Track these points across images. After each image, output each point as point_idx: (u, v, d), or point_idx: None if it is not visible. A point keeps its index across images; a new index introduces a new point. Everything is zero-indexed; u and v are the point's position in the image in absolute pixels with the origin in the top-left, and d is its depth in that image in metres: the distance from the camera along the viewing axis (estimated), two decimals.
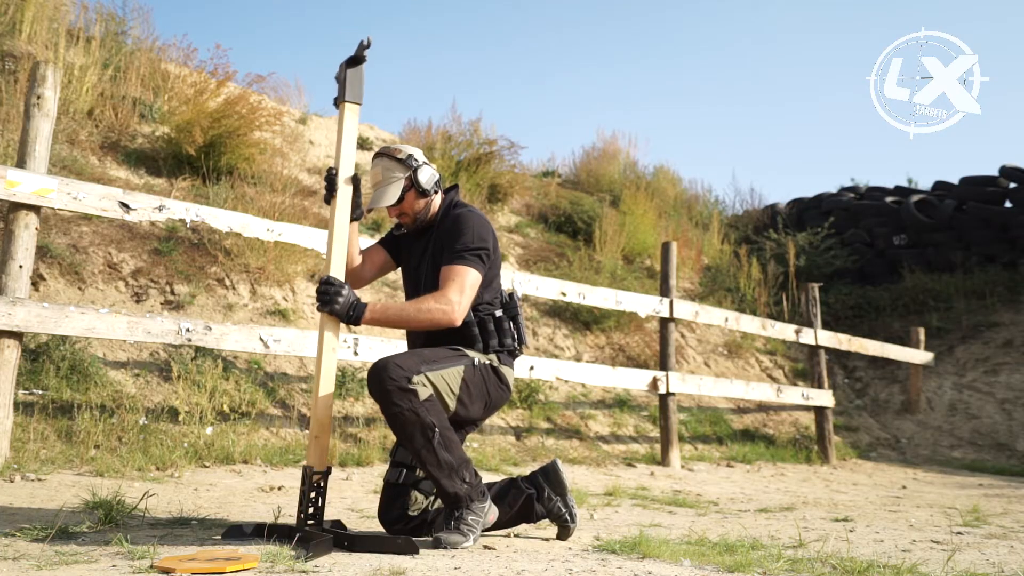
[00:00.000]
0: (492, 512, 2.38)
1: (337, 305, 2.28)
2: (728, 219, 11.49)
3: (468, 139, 8.47)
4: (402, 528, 2.40)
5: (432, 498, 2.45)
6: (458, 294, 2.38)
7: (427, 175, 2.56)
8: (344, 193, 2.41)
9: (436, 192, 2.60)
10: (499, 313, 2.52)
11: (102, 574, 1.71)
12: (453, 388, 2.33)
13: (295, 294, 5.42)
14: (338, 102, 2.42)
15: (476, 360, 2.43)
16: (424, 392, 2.24)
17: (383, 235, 2.84)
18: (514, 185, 8.62)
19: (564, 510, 2.52)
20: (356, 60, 2.40)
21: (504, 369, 2.51)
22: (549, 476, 2.54)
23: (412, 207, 2.56)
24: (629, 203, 9.29)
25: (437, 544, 2.21)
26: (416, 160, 2.57)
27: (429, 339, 2.48)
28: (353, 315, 2.30)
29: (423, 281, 2.54)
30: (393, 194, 2.52)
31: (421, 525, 2.42)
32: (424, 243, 2.59)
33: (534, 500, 2.49)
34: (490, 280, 2.51)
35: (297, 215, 5.73)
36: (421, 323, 2.37)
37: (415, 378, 2.24)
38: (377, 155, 2.61)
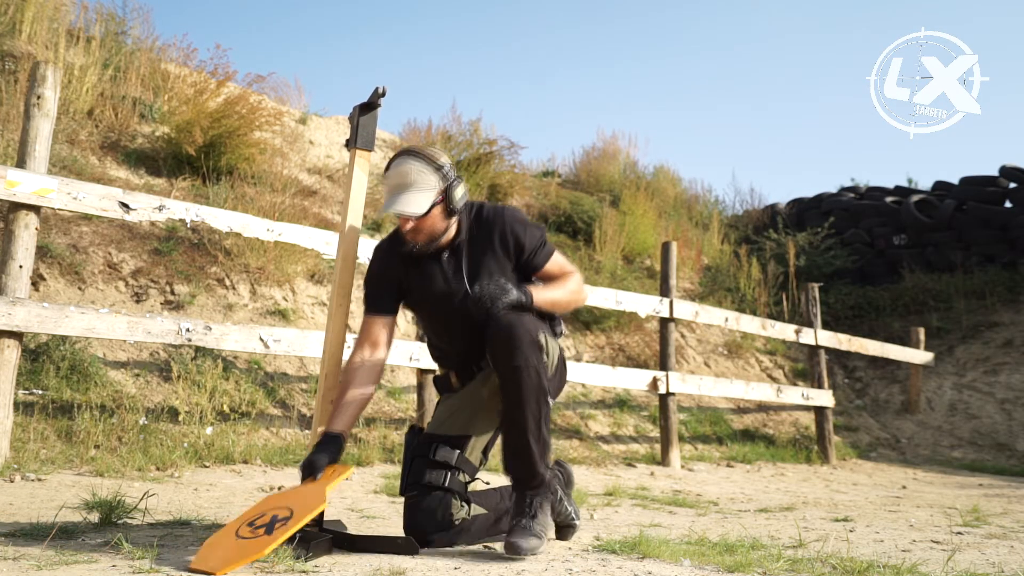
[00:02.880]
0: (551, 527, 2.29)
1: (509, 298, 2.14)
2: (728, 219, 11.49)
3: (468, 139, 8.47)
4: (446, 538, 2.20)
5: (470, 506, 2.27)
6: (576, 270, 2.41)
7: (461, 193, 2.27)
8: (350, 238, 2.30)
9: (460, 214, 2.31)
10: None
11: (102, 574, 1.71)
12: (554, 361, 2.25)
13: (295, 294, 5.42)
14: (349, 147, 2.39)
15: (560, 347, 2.35)
16: (545, 357, 2.16)
17: (380, 239, 2.50)
18: (514, 185, 8.62)
19: (570, 509, 2.49)
20: (370, 106, 2.35)
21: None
22: (561, 480, 2.50)
23: (433, 225, 2.25)
24: (629, 203, 9.29)
25: (515, 550, 2.05)
26: (454, 172, 2.27)
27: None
28: (527, 302, 2.20)
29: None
30: (422, 204, 2.19)
31: (460, 533, 2.23)
32: (450, 261, 2.32)
33: (554, 504, 2.44)
34: None
35: (297, 215, 5.73)
36: (569, 306, 2.39)
37: (541, 336, 2.15)
38: (407, 153, 2.26)
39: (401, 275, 2.35)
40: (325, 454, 2.13)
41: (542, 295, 2.27)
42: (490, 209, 2.37)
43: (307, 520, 1.89)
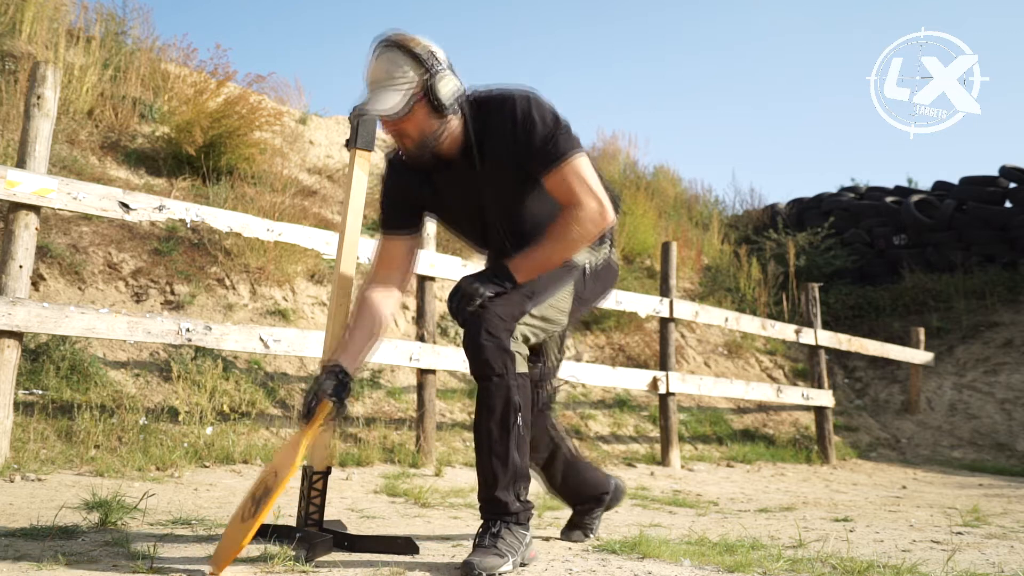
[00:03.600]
0: (533, 548, 2.00)
1: (483, 293, 1.88)
2: (728, 219, 11.50)
3: None
4: None
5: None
6: (592, 192, 1.92)
7: (450, 86, 1.90)
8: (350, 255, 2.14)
9: (458, 112, 1.94)
10: None
11: (102, 574, 1.71)
12: (563, 308, 2.01)
13: (295, 294, 5.42)
14: (349, 147, 2.38)
15: (588, 266, 2.08)
16: (521, 358, 1.88)
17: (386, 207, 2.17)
18: None
19: (594, 525, 2.51)
20: None
21: (614, 256, 2.20)
22: (613, 495, 2.51)
23: (419, 127, 1.90)
24: (629, 203, 9.29)
25: (469, 569, 1.76)
26: (437, 62, 1.89)
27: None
28: (507, 282, 1.91)
29: (502, 217, 2.04)
30: (394, 102, 1.85)
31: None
32: (467, 168, 2.00)
33: (599, 502, 2.46)
34: None
35: (297, 215, 5.73)
36: (576, 251, 1.98)
37: (517, 331, 1.88)
38: (383, 43, 1.90)
39: (412, 184, 2.08)
40: (315, 394, 1.93)
41: (526, 264, 1.93)
42: (495, 98, 1.96)
43: (280, 492, 1.81)
